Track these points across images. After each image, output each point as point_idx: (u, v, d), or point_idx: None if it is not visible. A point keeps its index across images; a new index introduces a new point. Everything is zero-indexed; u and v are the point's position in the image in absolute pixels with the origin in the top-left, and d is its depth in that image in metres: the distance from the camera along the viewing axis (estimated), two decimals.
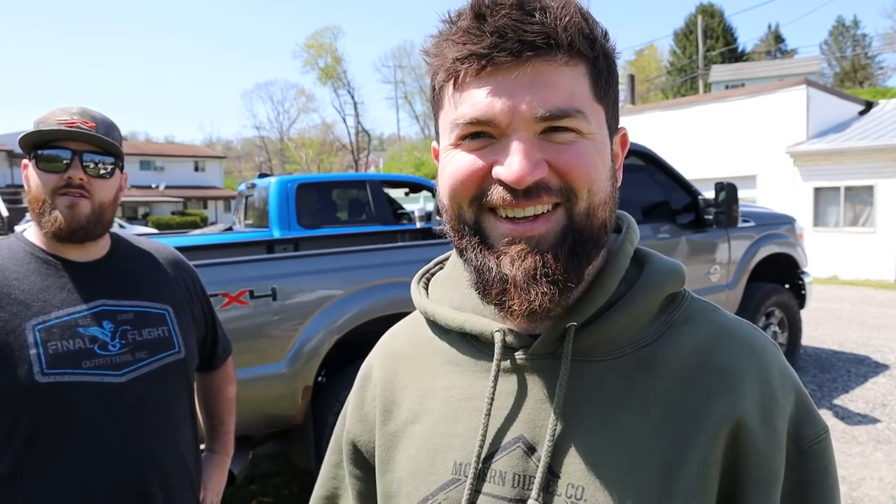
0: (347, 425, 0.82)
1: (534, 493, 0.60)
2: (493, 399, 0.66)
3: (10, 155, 30.77)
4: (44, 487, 1.24)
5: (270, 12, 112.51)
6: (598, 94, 0.62)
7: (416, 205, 10.66)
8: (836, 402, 5.23)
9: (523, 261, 0.59)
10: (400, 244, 4.93)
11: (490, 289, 0.61)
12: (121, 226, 19.87)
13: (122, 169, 1.40)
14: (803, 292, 5.95)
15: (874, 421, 4.82)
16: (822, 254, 13.00)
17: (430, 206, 6.64)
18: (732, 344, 0.65)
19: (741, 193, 5.24)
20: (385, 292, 3.44)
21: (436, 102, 0.67)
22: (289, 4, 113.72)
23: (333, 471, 0.85)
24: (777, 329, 5.65)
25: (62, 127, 1.28)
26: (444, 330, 0.74)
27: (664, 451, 0.60)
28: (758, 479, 0.60)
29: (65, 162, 1.29)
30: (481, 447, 0.65)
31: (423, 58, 0.65)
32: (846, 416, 4.91)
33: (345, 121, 59.82)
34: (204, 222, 33.21)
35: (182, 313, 1.47)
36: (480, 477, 0.65)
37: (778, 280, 5.87)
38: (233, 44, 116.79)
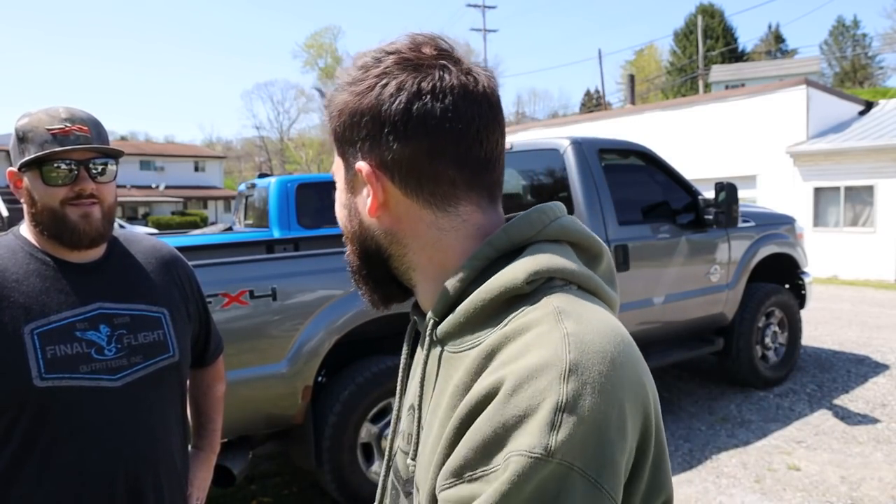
0: None
1: (410, 454, 0.74)
2: (405, 370, 0.84)
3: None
4: (38, 489, 1.25)
5: (270, 12, 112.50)
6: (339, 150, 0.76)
7: None
8: (836, 402, 5.23)
9: None
10: None
11: None
12: (121, 226, 19.83)
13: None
14: (803, 292, 5.95)
15: (874, 421, 4.82)
16: (822, 254, 12.99)
17: None
18: (484, 361, 0.63)
19: (741, 193, 5.24)
20: None
21: None
22: (289, 4, 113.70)
23: None
24: (777, 329, 5.65)
25: (56, 135, 1.27)
26: None
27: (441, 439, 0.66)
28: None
29: (73, 173, 1.29)
30: (398, 408, 0.83)
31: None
32: (846, 416, 4.91)
33: None
34: (204, 222, 33.20)
35: (178, 315, 1.47)
36: (394, 429, 0.83)
37: (778, 280, 5.87)
38: (233, 44, 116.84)
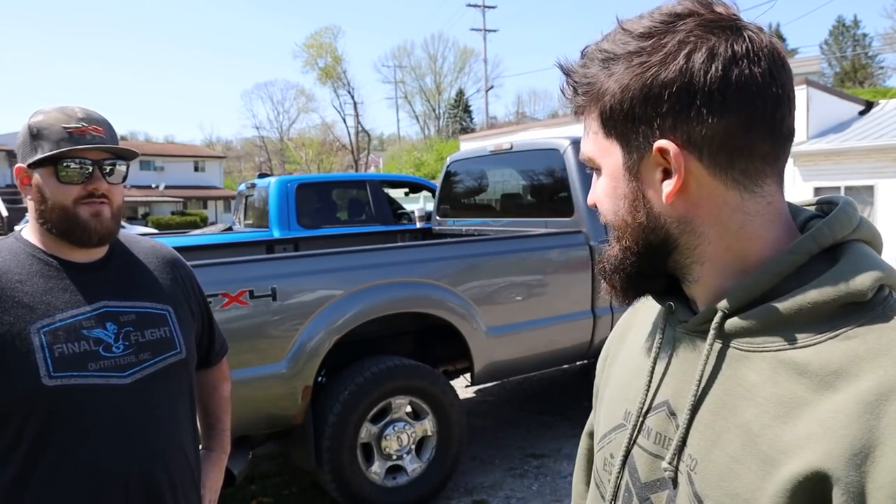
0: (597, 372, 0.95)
1: (668, 457, 0.67)
2: (654, 362, 0.74)
3: (10, 155, 30.77)
4: (53, 490, 1.24)
5: (270, 12, 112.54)
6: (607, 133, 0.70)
7: (416, 205, 10.66)
8: None
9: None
10: (400, 244, 4.93)
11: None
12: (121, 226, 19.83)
13: None
14: None
15: None
16: None
17: (430, 206, 6.64)
18: (870, 387, 0.56)
19: None
20: (385, 292, 3.44)
21: None
22: (289, 4, 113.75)
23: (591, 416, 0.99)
24: None
25: (73, 134, 1.29)
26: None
27: (765, 452, 0.60)
28: None
29: (87, 172, 1.31)
30: (642, 403, 0.73)
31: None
32: None
33: (345, 121, 59.72)
34: (204, 222, 33.21)
35: (182, 313, 1.47)
36: (638, 428, 0.74)
37: None
38: (233, 44, 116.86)
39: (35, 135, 1.30)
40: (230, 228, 8.55)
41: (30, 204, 1.35)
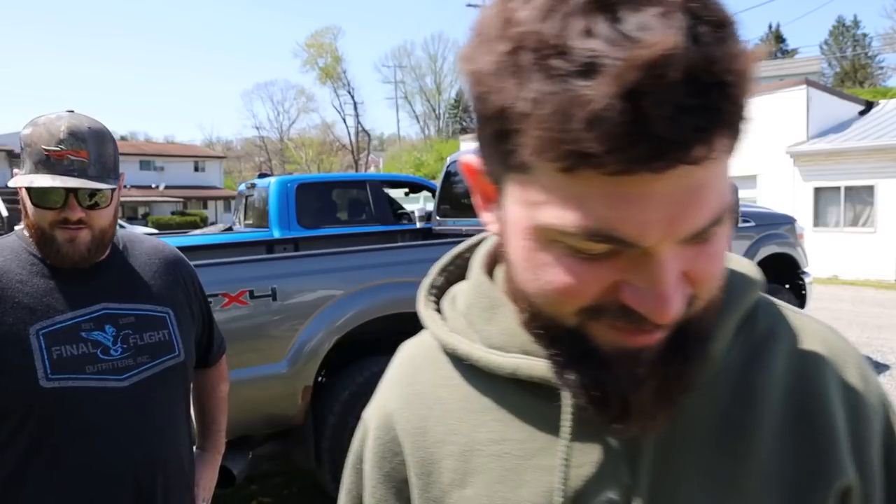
0: (369, 489, 0.67)
1: None
2: (568, 457, 0.53)
3: (10, 155, 30.77)
4: (47, 492, 1.24)
5: (271, 12, 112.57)
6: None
7: (416, 205, 10.66)
8: None
9: (650, 378, 0.48)
10: (400, 244, 4.94)
11: (608, 406, 0.49)
12: (121, 226, 19.80)
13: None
14: (803, 292, 5.94)
15: None
16: (822, 254, 12.98)
17: (430, 206, 6.65)
18: (823, 371, 0.56)
19: (741, 193, 5.24)
20: (385, 292, 3.44)
21: (501, 134, 0.46)
22: (289, 4, 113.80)
23: None
24: None
25: (50, 157, 1.23)
26: (478, 370, 0.60)
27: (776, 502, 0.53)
28: None
29: (60, 200, 1.25)
30: None
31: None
32: None
33: (345, 121, 59.66)
34: (204, 222, 33.20)
35: (182, 315, 1.46)
36: None
37: (778, 280, 5.87)
38: (233, 43, 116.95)
39: (22, 148, 1.29)
40: (230, 228, 8.55)
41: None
